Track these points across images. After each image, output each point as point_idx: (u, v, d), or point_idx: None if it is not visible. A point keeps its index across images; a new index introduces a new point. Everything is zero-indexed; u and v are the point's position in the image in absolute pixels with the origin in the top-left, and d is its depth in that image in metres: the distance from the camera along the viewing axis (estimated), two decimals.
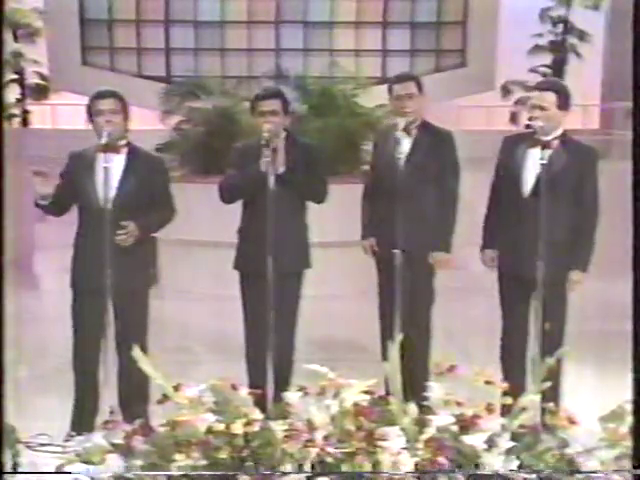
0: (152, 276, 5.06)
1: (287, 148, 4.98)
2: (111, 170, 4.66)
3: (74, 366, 4.97)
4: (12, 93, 16.60)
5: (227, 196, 5.11)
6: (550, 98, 4.83)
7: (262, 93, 5.16)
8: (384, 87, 5.37)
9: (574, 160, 4.83)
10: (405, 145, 5.14)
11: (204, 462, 3.58)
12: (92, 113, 4.86)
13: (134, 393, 4.82)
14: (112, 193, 4.72)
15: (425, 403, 3.86)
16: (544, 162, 4.60)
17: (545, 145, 4.65)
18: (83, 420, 4.88)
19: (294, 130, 5.21)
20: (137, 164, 4.89)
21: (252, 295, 5.10)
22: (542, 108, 4.81)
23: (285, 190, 4.88)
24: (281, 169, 4.87)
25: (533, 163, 4.77)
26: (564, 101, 4.86)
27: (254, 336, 5.08)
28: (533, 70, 16.81)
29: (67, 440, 4.59)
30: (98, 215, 4.67)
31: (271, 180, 4.71)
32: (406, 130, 5.11)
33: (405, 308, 4.96)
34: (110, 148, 4.67)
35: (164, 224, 4.99)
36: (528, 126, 4.77)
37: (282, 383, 4.72)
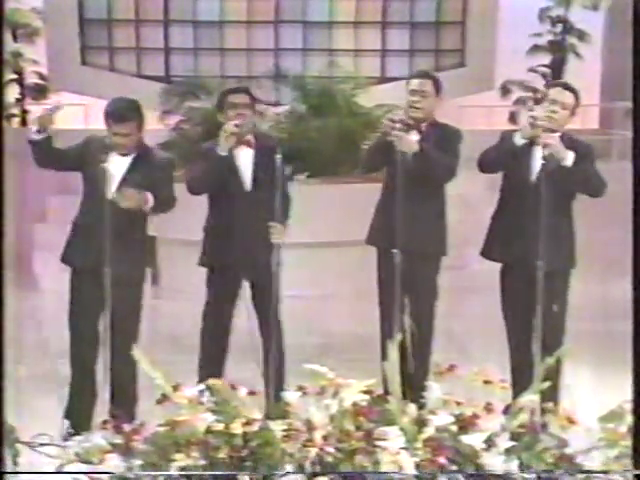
0: (145, 268, 5.09)
1: (256, 150, 5.08)
2: (117, 165, 4.75)
3: (71, 344, 5.01)
4: (11, 93, 16.59)
5: (191, 186, 5.14)
6: (568, 98, 4.90)
7: (233, 87, 5.31)
8: (383, 87, 5.39)
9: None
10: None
11: (203, 462, 3.58)
12: (107, 126, 4.87)
13: (120, 388, 4.86)
14: (115, 186, 4.79)
15: (424, 401, 3.87)
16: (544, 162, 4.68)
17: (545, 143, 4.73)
18: (80, 407, 4.96)
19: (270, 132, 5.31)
20: (143, 162, 4.91)
21: (221, 292, 5.14)
22: (563, 105, 4.87)
23: (255, 191, 5.07)
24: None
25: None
26: (576, 103, 4.96)
27: (216, 335, 5.17)
28: (532, 70, 16.80)
29: (66, 430, 4.68)
30: (100, 202, 4.72)
31: (245, 172, 4.89)
32: (416, 127, 5.11)
33: (409, 305, 4.99)
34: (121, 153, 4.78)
35: (166, 208, 4.99)
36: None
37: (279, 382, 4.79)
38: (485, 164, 5.04)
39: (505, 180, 5.08)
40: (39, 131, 4.81)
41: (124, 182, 4.84)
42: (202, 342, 5.23)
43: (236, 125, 4.95)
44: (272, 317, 5.05)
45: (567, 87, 5.01)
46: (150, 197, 4.76)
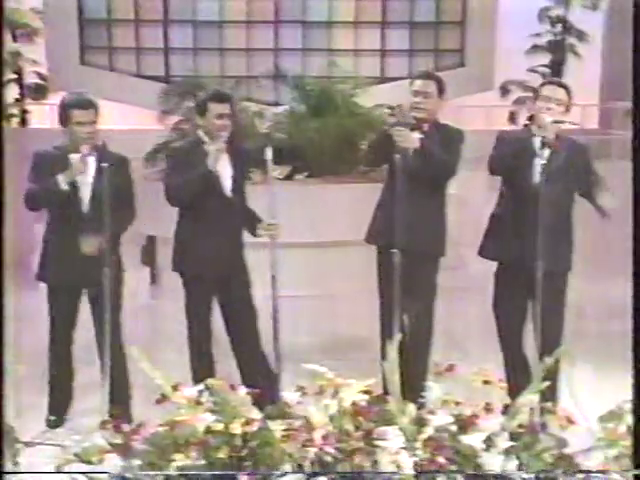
0: (121, 276, 5.14)
1: (231, 153, 5.10)
2: (87, 170, 4.80)
3: (50, 352, 5.17)
4: (11, 93, 16.59)
5: (174, 198, 5.12)
6: (562, 94, 4.91)
7: (215, 95, 5.21)
8: (383, 87, 5.40)
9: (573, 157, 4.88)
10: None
11: (203, 462, 3.58)
12: (68, 120, 4.91)
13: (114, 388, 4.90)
14: (87, 193, 4.84)
15: (423, 401, 3.87)
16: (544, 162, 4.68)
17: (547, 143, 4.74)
18: (60, 401, 5.15)
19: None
20: (108, 167, 4.94)
21: (195, 297, 5.17)
22: (557, 102, 4.87)
23: (234, 195, 5.12)
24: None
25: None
26: (569, 100, 4.96)
27: (198, 336, 5.22)
28: (532, 70, 16.80)
29: (48, 424, 4.76)
30: (72, 213, 4.88)
31: (226, 184, 4.86)
32: (418, 128, 5.11)
33: (408, 305, 5.00)
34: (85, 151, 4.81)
35: (126, 226, 5.06)
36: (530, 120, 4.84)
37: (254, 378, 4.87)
38: (500, 167, 4.98)
39: (506, 180, 5.07)
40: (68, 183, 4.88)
41: (96, 184, 4.85)
42: (189, 343, 5.26)
43: (225, 142, 4.99)
44: (246, 322, 5.09)
45: (560, 84, 5.03)
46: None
